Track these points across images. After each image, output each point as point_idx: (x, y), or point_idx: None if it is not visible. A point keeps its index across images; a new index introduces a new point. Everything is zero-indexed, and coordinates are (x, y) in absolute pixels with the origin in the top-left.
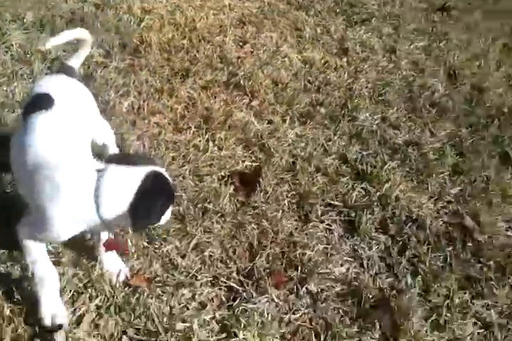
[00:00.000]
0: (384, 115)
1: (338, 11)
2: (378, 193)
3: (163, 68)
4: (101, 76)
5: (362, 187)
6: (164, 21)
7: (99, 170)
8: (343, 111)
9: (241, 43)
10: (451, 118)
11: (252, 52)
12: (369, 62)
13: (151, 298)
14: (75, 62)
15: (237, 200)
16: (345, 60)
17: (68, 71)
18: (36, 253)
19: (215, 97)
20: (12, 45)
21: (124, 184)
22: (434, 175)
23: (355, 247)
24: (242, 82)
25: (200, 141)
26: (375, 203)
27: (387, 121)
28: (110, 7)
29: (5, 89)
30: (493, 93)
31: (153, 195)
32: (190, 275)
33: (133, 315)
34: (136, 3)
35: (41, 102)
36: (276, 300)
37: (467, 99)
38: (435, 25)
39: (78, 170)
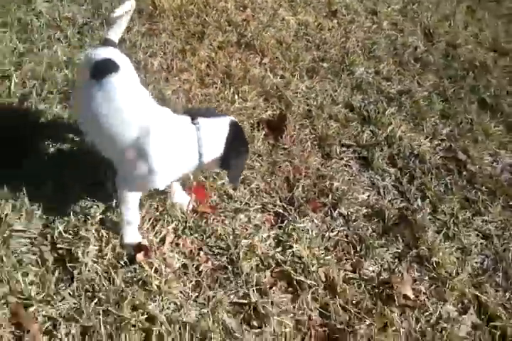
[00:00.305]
0: (377, 69)
1: None
2: (384, 134)
3: (180, 31)
4: (128, 38)
5: (370, 130)
6: None
7: (194, 124)
8: (342, 66)
9: (241, 8)
10: (433, 71)
11: (253, 15)
12: (356, 24)
13: (217, 222)
14: (115, 35)
15: (269, 143)
16: (335, 21)
17: (112, 44)
18: (132, 203)
19: (230, 56)
20: (40, 12)
21: (217, 133)
22: (426, 119)
23: (371, 179)
24: (251, 42)
25: (226, 93)
26: (383, 142)
27: (380, 74)
28: None
29: (47, 51)
30: (465, 49)
31: (238, 141)
32: (243, 203)
33: (204, 236)
34: None
35: (110, 66)
36: (316, 221)
37: (444, 55)
38: None
39: (182, 124)
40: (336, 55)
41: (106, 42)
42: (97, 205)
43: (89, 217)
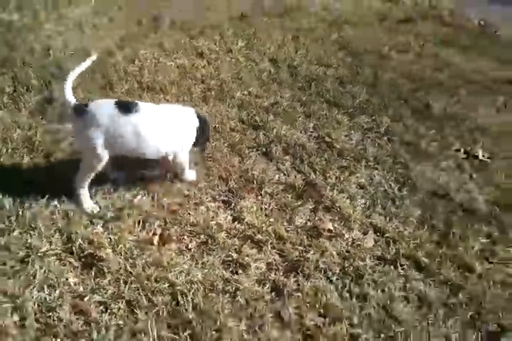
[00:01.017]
0: (249, 91)
1: None
2: (273, 135)
3: (92, 85)
4: None
5: (262, 133)
6: None
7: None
8: (224, 93)
9: (132, 61)
10: (287, 86)
11: (142, 64)
12: (219, 60)
13: (187, 215)
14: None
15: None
16: (205, 60)
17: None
18: None
19: (140, 97)
20: None
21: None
22: (296, 119)
23: (276, 165)
24: (151, 85)
25: None
26: (274, 140)
27: (252, 94)
28: None
29: None
30: (302, 67)
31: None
32: (198, 198)
33: (182, 225)
34: None
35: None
36: (252, 200)
37: (289, 74)
38: None
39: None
40: (216, 85)
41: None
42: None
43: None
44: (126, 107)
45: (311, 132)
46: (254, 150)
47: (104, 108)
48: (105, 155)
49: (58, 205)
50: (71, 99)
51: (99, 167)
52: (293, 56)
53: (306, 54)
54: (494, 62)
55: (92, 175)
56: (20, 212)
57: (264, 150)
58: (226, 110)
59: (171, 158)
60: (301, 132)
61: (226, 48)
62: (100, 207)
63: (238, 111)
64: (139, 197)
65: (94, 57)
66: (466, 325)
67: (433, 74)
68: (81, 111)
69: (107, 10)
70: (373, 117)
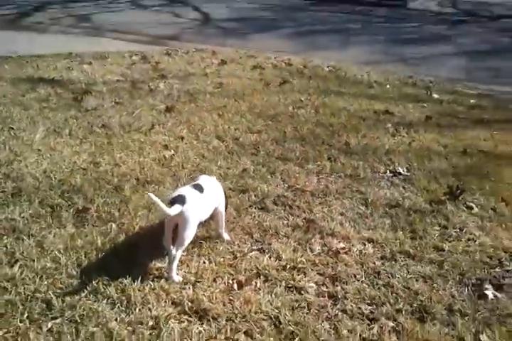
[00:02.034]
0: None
1: None
2: None
3: None
4: None
5: None
6: None
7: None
8: None
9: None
10: None
11: (17, 156)
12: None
13: None
14: None
15: None
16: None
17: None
18: None
19: None
20: None
21: None
22: None
23: None
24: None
25: None
26: None
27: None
28: None
29: None
30: None
31: None
32: None
33: None
34: None
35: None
36: None
37: None
38: None
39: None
40: (193, 166)
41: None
42: None
43: None
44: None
45: (283, 184)
46: (253, 207)
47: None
48: None
49: None
50: None
51: None
52: (231, 130)
53: (237, 127)
54: (364, 99)
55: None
56: None
57: (260, 206)
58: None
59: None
60: (277, 186)
61: (179, 137)
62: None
63: (223, 181)
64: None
65: None
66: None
67: (334, 119)
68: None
69: None
70: (317, 163)
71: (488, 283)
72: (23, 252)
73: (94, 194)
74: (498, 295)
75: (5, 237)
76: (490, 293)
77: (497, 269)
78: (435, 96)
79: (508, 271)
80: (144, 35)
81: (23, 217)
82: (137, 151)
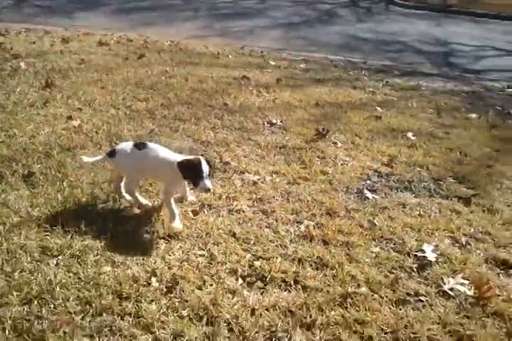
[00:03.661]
0: None
1: None
2: None
3: None
4: None
5: None
6: None
7: None
8: None
9: None
10: None
11: None
12: None
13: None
14: None
15: None
16: None
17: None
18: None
19: None
20: None
21: None
22: None
23: None
24: None
25: None
26: None
27: None
28: None
29: None
30: None
31: None
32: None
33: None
34: None
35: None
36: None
37: None
38: None
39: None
40: None
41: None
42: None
43: None
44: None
45: (189, 138)
46: None
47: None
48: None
49: None
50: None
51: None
52: (119, 100)
53: (123, 96)
54: (218, 68)
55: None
56: None
57: None
58: None
59: None
60: (184, 141)
61: (76, 109)
62: None
63: None
64: None
65: None
66: None
67: (204, 85)
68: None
69: None
70: (208, 120)
71: (366, 190)
72: None
73: (29, 161)
74: (375, 196)
75: None
76: (369, 195)
77: (368, 181)
78: (272, 63)
79: (375, 181)
80: None
81: None
82: (45, 123)
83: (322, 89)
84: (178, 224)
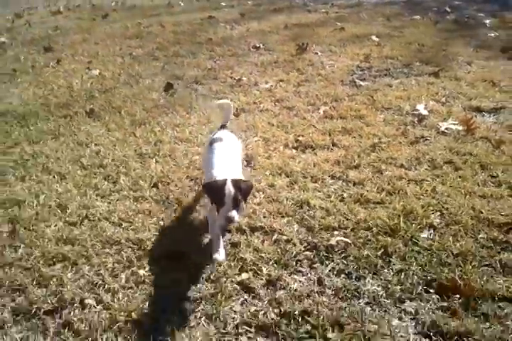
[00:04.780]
0: None
1: None
2: None
3: None
4: None
5: None
6: None
7: None
8: None
9: None
10: None
11: None
12: None
13: None
14: (226, 121)
15: None
16: None
17: (225, 127)
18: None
19: None
20: None
21: None
22: None
23: None
24: None
25: None
26: None
27: None
28: None
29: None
30: None
31: None
32: None
33: None
34: None
35: (219, 139)
36: None
37: None
38: None
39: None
40: None
41: (222, 127)
42: None
43: None
44: None
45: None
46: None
47: None
48: None
49: None
50: None
51: None
52: None
53: None
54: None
55: None
56: None
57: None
58: None
59: None
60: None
61: None
62: None
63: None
64: None
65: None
66: None
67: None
68: None
69: None
70: (203, 54)
71: (357, 79)
72: None
73: (81, 104)
74: (365, 83)
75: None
76: (361, 83)
77: (354, 75)
78: (222, 3)
79: (360, 74)
80: None
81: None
82: (70, 76)
83: (282, 17)
84: (219, 256)
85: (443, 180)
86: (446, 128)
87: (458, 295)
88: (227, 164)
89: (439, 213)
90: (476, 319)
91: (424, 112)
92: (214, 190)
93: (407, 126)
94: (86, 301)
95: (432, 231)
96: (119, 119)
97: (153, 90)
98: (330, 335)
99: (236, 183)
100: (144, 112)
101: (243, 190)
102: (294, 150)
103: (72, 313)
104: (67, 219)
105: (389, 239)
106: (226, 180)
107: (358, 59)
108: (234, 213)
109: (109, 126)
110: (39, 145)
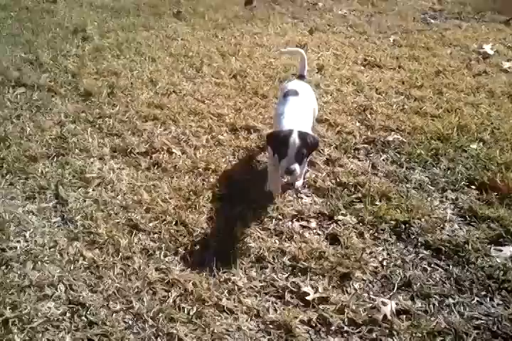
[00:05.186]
0: None
1: None
2: None
3: None
4: None
5: None
6: None
7: None
8: None
9: None
10: None
11: None
12: None
13: None
14: (303, 71)
15: None
16: None
17: (302, 78)
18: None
19: None
20: None
21: None
22: None
23: None
24: None
25: None
26: None
27: None
28: None
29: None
30: None
31: None
32: None
33: None
34: None
35: (293, 92)
36: None
37: None
38: None
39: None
40: None
41: (299, 78)
42: None
43: None
44: None
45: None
46: None
47: None
48: None
49: None
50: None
51: None
52: None
53: None
54: None
55: None
56: None
57: None
58: None
59: None
60: None
61: None
62: None
63: None
64: None
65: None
66: None
67: None
68: None
69: None
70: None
71: (429, 18)
72: None
73: (167, 7)
74: (436, 21)
75: None
76: (432, 21)
77: (427, 14)
78: None
79: (432, 14)
80: None
81: None
82: None
83: None
84: (270, 187)
85: (498, 106)
86: (509, 67)
87: (495, 193)
88: (298, 118)
89: (490, 131)
90: (510, 211)
91: (490, 52)
92: (278, 140)
93: (471, 61)
94: (173, 150)
95: (481, 144)
96: (203, 22)
97: (234, 3)
98: (378, 203)
99: (303, 136)
100: (225, 19)
101: (309, 144)
102: (362, 67)
103: (161, 156)
104: (157, 90)
105: (441, 144)
106: (292, 130)
107: (431, 1)
108: (296, 166)
109: (194, 26)
110: (132, 33)
